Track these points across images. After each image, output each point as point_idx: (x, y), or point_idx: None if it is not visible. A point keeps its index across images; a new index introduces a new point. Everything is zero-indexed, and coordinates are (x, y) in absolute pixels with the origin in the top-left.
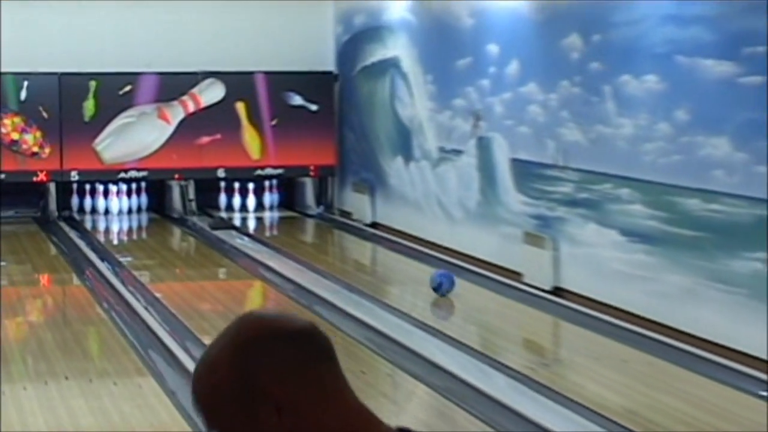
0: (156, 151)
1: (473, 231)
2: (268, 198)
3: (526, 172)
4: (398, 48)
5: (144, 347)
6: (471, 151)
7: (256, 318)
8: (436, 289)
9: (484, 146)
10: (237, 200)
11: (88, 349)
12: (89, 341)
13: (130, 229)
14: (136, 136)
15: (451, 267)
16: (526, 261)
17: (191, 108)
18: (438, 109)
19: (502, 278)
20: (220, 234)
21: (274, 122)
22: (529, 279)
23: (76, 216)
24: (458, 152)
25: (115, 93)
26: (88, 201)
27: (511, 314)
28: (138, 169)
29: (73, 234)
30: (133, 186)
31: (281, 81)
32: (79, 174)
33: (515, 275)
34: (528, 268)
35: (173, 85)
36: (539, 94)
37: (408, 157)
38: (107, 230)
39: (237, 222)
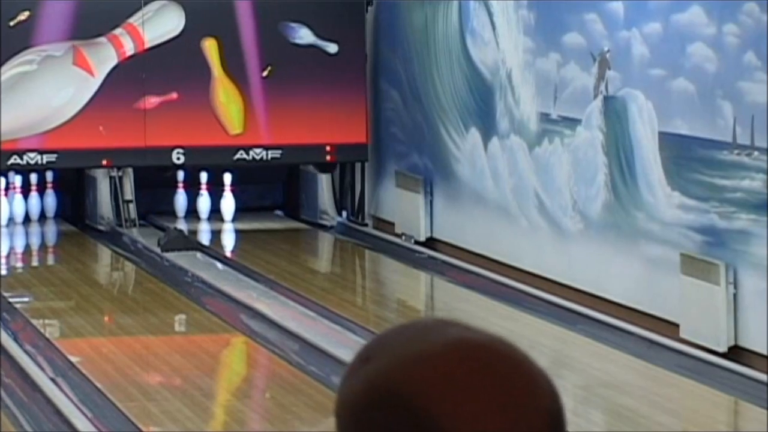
0: (70, 120)
1: (597, 254)
2: (254, 199)
3: (685, 156)
4: None
5: None
6: (593, 120)
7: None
8: None
9: (614, 113)
10: (204, 203)
11: None
12: None
13: (27, 250)
14: (36, 96)
15: (562, 314)
16: (686, 304)
17: (128, 49)
18: (539, 50)
19: (645, 332)
20: (177, 258)
21: (266, 73)
22: (690, 334)
23: None
24: (572, 122)
25: (2, 24)
26: None
27: (658, 390)
28: (41, 151)
29: None
30: (33, 178)
31: (278, 5)
32: None
33: (668, 328)
34: (688, 316)
35: (99, 12)
36: (708, 26)
37: (489, 130)
38: None
39: (204, 238)
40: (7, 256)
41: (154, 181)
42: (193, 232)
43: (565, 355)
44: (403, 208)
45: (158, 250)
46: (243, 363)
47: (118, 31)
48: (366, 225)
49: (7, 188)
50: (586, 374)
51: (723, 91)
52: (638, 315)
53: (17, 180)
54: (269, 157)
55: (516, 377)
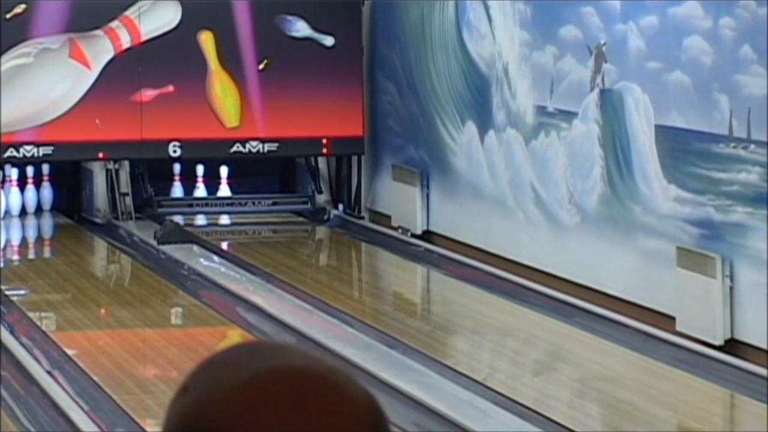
0: (67, 113)
1: (593, 247)
2: (250, 190)
3: (681, 149)
4: None
5: None
6: (589, 113)
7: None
8: None
9: (611, 105)
10: (201, 194)
11: None
12: None
13: (23, 243)
14: (33, 89)
15: (559, 308)
16: (682, 297)
17: (124, 42)
18: (535, 43)
19: (641, 325)
20: (173, 250)
21: (262, 66)
22: (686, 327)
23: None
24: (568, 115)
25: (1, 17)
26: None
27: (655, 383)
28: (37, 144)
29: None
30: (29, 171)
31: None
32: None
33: (665, 321)
34: (684, 309)
35: (95, 5)
36: (704, 19)
37: (485, 123)
38: None
39: (200, 231)
40: (4, 249)
41: (152, 174)
42: (189, 225)
43: (562, 349)
44: (399, 201)
45: (154, 242)
46: None
47: (114, 23)
48: (362, 218)
49: (3, 181)
50: (583, 367)
51: (719, 84)
52: (634, 308)
53: (13, 173)
54: (266, 150)
55: (329, 409)
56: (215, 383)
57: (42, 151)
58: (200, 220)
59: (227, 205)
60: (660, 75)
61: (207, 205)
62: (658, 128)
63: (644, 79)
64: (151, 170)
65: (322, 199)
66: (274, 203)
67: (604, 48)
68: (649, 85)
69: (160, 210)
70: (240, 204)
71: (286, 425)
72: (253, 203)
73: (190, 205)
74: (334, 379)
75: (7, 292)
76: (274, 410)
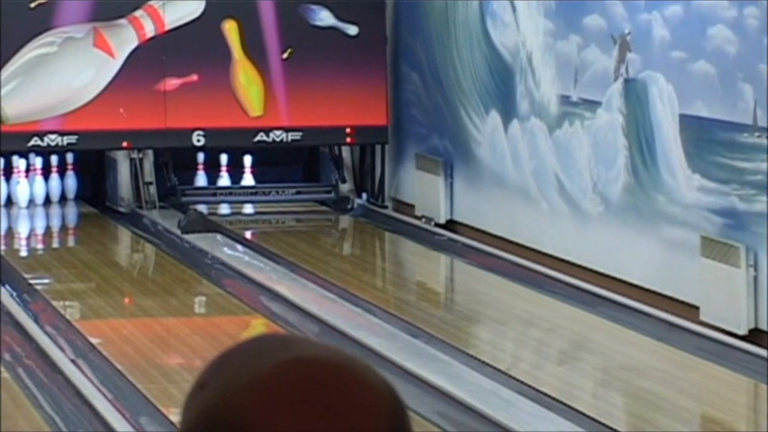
0: (91, 102)
1: (617, 236)
2: (274, 179)
3: (705, 138)
4: None
5: (71, 426)
6: (613, 102)
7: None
8: None
9: (635, 95)
10: (225, 183)
11: None
12: None
13: (48, 232)
14: (57, 78)
15: (583, 297)
16: (706, 286)
17: (148, 31)
18: (559, 33)
19: (664, 315)
20: (197, 239)
21: (286, 55)
22: (710, 317)
23: None
24: (593, 105)
25: (24, 6)
26: None
27: (678, 373)
28: (61, 133)
29: None
30: (54, 160)
31: None
32: None
33: (688, 310)
34: (708, 299)
35: None
36: (729, 8)
37: (509, 113)
38: (10, 233)
39: (224, 220)
40: (28, 238)
41: (176, 163)
42: (213, 214)
43: (585, 338)
44: (423, 190)
45: (178, 231)
46: None
47: (138, 12)
48: (386, 207)
49: (27, 170)
50: (606, 357)
51: (743, 73)
52: (658, 297)
53: (38, 162)
54: (289, 139)
55: (349, 399)
56: (232, 378)
57: (66, 140)
58: (224, 209)
59: (251, 194)
60: (684, 64)
61: (231, 194)
62: (683, 118)
63: (668, 68)
64: (174, 159)
65: (345, 188)
66: (298, 192)
67: (628, 37)
68: (674, 75)
69: (183, 199)
70: (263, 193)
71: (305, 417)
72: (277, 192)
73: (214, 194)
74: (353, 369)
75: (31, 281)
76: (294, 402)
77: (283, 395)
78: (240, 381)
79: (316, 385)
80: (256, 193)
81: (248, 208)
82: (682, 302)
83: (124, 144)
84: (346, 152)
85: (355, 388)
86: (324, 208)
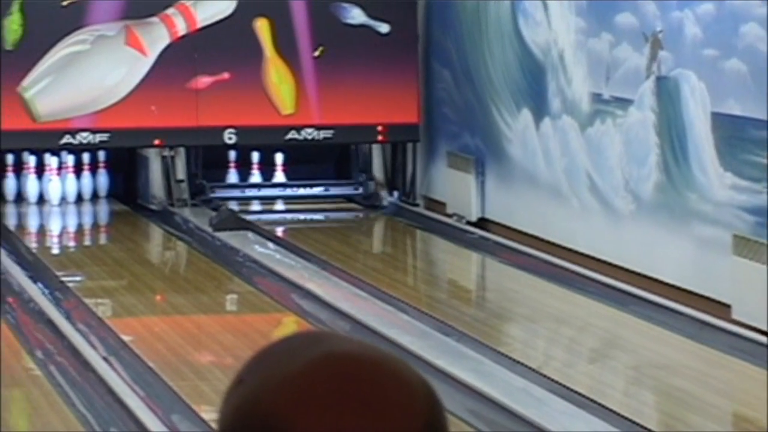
0: (122, 100)
1: (649, 234)
2: (305, 177)
3: (737, 136)
4: None
5: (102, 424)
6: (645, 100)
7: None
8: None
9: (666, 93)
10: (256, 181)
11: (12, 427)
12: (12, 413)
13: (79, 229)
14: (89, 76)
15: (614, 295)
16: (738, 285)
17: (180, 29)
18: (591, 30)
19: (696, 313)
20: (229, 237)
21: (317, 53)
22: (742, 315)
23: None
24: (624, 102)
25: (56, 3)
26: (10, 182)
27: (710, 371)
28: (93, 130)
29: None
30: (86, 158)
31: None
32: None
33: (720, 309)
34: (740, 298)
35: None
36: (761, 6)
37: (540, 111)
38: (42, 231)
39: (255, 218)
40: (60, 236)
41: (207, 161)
42: (244, 212)
43: (617, 336)
44: (454, 188)
45: (210, 229)
46: None
47: (170, 11)
48: (417, 205)
49: (59, 168)
50: (638, 355)
51: None
52: (690, 296)
53: (70, 159)
54: (321, 137)
55: (386, 394)
56: (269, 373)
57: (98, 137)
58: (255, 206)
59: (281, 191)
60: (716, 62)
61: (261, 191)
62: (714, 116)
63: (700, 66)
64: (205, 157)
65: (376, 186)
66: (329, 190)
67: (660, 35)
68: (706, 73)
69: (212, 196)
70: (294, 190)
71: (338, 412)
72: (308, 189)
73: (245, 192)
74: (387, 364)
75: (63, 279)
76: (326, 398)
77: (315, 391)
78: (274, 377)
79: (348, 380)
80: (286, 191)
81: (279, 206)
82: (714, 300)
83: (156, 142)
84: (377, 150)
85: (388, 383)
86: (355, 205)
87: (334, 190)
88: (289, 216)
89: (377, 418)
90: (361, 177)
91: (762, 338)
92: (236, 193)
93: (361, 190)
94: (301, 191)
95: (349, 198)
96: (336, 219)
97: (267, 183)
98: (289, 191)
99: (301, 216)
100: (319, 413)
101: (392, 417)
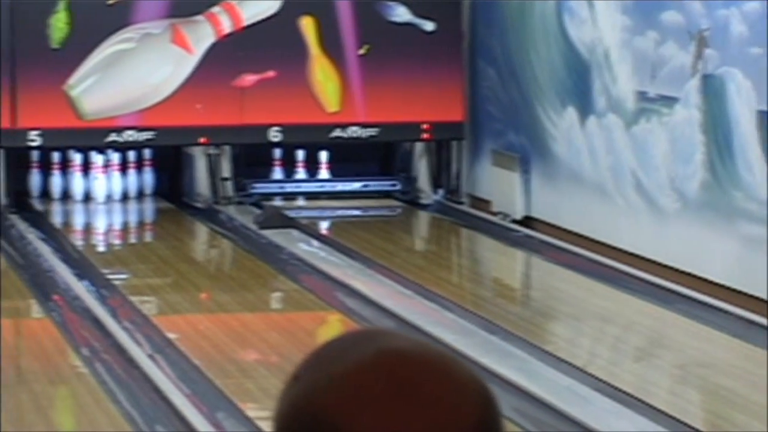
0: (168, 98)
1: (694, 233)
2: (350, 175)
3: None
4: None
5: (148, 421)
6: (691, 98)
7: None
8: None
9: (712, 91)
10: (299, 178)
11: (58, 424)
12: (58, 410)
13: (125, 227)
14: (135, 74)
15: (660, 294)
16: None
17: (226, 27)
18: (636, 28)
19: (742, 312)
20: (273, 235)
21: (363, 51)
22: None
23: (37, 205)
24: (670, 101)
25: (102, 2)
26: (56, 180)
27: (756, 370)
28: (139, 128)
29: (31, 235)
30: (131, 156)
31: None
32: (41, 135)
33: (765, 307)
34: None
35: None
36: None
37: (586, 109)
38: (88, 229)
39: (300, 216)
40: (105, 234)
41: (252, 159)
42: (289, 209)
43: (663, 335)
44: (499, 186)
45: (255, 227)
46: None
47: (215, 9)
48: (462, 203)
49: (105, 166)
50: (684, 354)
51: None
52: (736, 294)
53: (115, 157)
54: (366, 135)
55: (438, 392)
56: (322, 371)
57: (144, 136)
58: (299, 204)
59: (326, 189)
60: (762, 60)
61: (306, 189)
62: (760, 114)
63: (746, 64)
64: (251, 155)
65: (421, 184)
66: (374, 188)
67: (705, 33)
68: (752, 71)
69: (253, 192)
70: (339, 188)
71: (389, 410)
72: (352, 187)
73: (290, 190)
74: (441, 363)
75: (109, 277)
76: (378, 395)
77: (365, 389)
78: (326, 375)
79: (399, 378)
80: (331, 189)
81: (323, 204)
82: (760, 299)
83: (201, 140)
84: (422, 148)
85: (439, 380)
86: (400, 203)
87: (374, 186)
88: (333, 213)
89: (427, 416)
90: (404, 174)
91: None
92: (275, 188)
93: (408, 190)
94: (339, 187)
95: (389, 194)
96: (380, 216)
97: (308, 179)
98: (328, 186)
99: (346, 213)
100: (370, 411)
101: (441, 414)
